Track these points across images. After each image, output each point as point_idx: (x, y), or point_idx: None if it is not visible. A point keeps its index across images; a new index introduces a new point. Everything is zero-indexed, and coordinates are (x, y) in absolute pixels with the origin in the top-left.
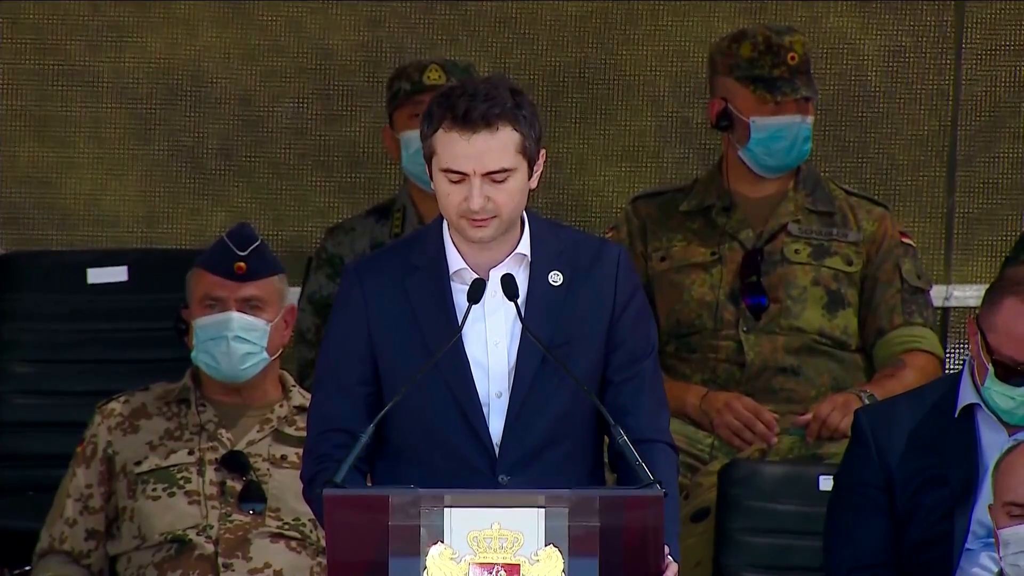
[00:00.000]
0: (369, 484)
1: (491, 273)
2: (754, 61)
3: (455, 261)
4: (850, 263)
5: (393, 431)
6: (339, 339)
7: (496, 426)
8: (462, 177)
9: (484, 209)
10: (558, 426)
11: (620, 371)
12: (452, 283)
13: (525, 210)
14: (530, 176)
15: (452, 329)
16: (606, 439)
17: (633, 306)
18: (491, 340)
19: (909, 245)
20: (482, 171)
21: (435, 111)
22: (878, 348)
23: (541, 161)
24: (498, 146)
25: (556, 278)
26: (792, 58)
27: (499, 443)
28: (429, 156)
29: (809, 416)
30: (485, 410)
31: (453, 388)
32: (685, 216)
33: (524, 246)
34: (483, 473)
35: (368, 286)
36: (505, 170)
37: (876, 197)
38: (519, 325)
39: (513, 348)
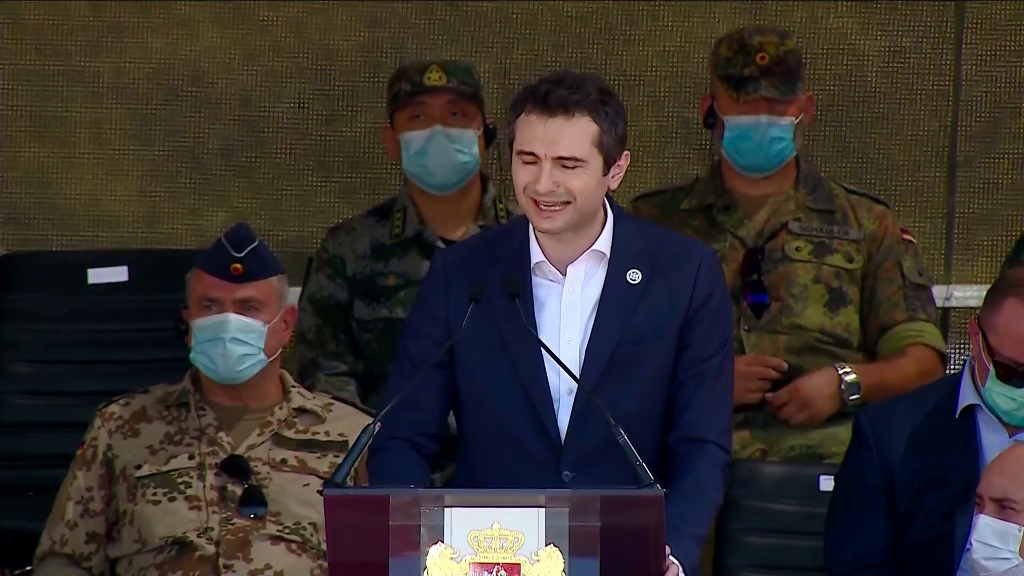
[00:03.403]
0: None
1: (568, 269)
2: (729, 60)
3: (536, 254)
4: (851, 260)
5: (466, 419)
6: (419, 324)
7: (564, 422)
8: (534, 159)
9: (552, 194)
10: (624, 425)
11: (685, 368)
12: (532, 276)
13: (612, 208)
14: (606, 173)
15: (529, 321)
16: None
17: (710, 306)
18: (564, 336)
19: (910, 242)
20: (553, 155)
21: (520, 97)
22: (881, 344)
23: (623, 162)
24: (573, 133)
25: (634, 276)
26: (762, 58)
27: (565, 439)
28: (511, 142)
29: (773, 394)
30: (555, 405)
31: (525, 382)
32: (686, 214)
33: (603, 243)
34: (548, 468)
35: (451, 275)
36: (576, 159)
37: (876, 195)
38: (592, 322)
39: (585, 344)
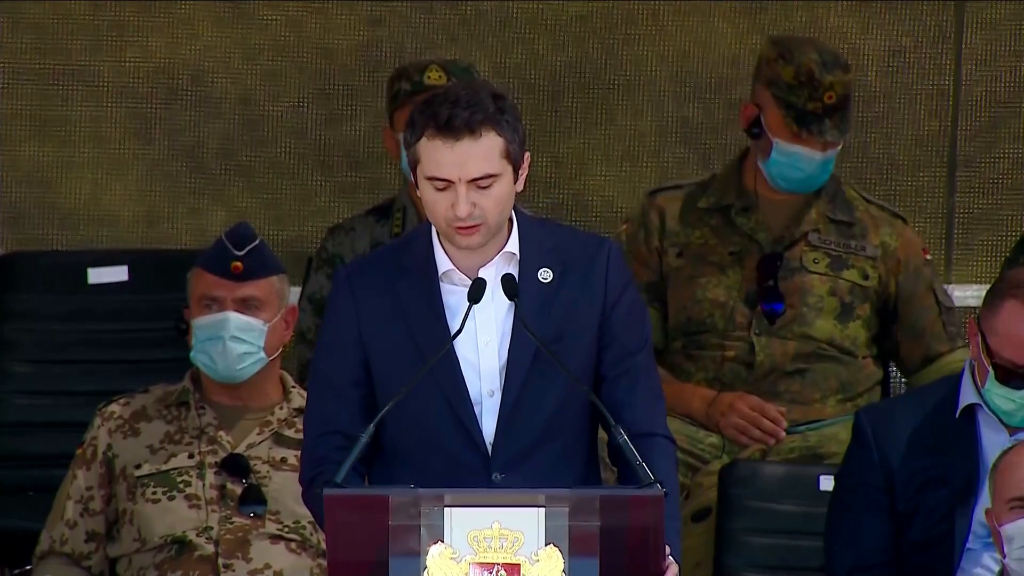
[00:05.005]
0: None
1: (480, 272)
2: (793, 88)
3: (443, 262)
4: (866, 277)
5: (387, 433)
6: (331, 342)
7: (489, 425)
8: (447, 184)
9: (471, 216)
10: (552, 423)
11: (614, 367)
12: (441, 284)
13: (515, 209)
14: (515, 180)
15: (442, 330)
16: (601, 434)
17: (625, 301)
18: (481, 339)
19: (931, 261)
20: (467, 178)
21: (418, 119)
22: (930, 372)
23: (526, 164)
24: (482, 152)
25: (546, 275)
26: (829, 97)
27: (492, 442)
28: (414, 164)
29: None
30: (477, 409)
31: (444, 388)
32: (704, 212)
33: (512, 244)
34: (476, 472)
35: (358, 289)
36: (490, 176)
37: (896, 208)
38: (509, 323)
39: (504, 346)
